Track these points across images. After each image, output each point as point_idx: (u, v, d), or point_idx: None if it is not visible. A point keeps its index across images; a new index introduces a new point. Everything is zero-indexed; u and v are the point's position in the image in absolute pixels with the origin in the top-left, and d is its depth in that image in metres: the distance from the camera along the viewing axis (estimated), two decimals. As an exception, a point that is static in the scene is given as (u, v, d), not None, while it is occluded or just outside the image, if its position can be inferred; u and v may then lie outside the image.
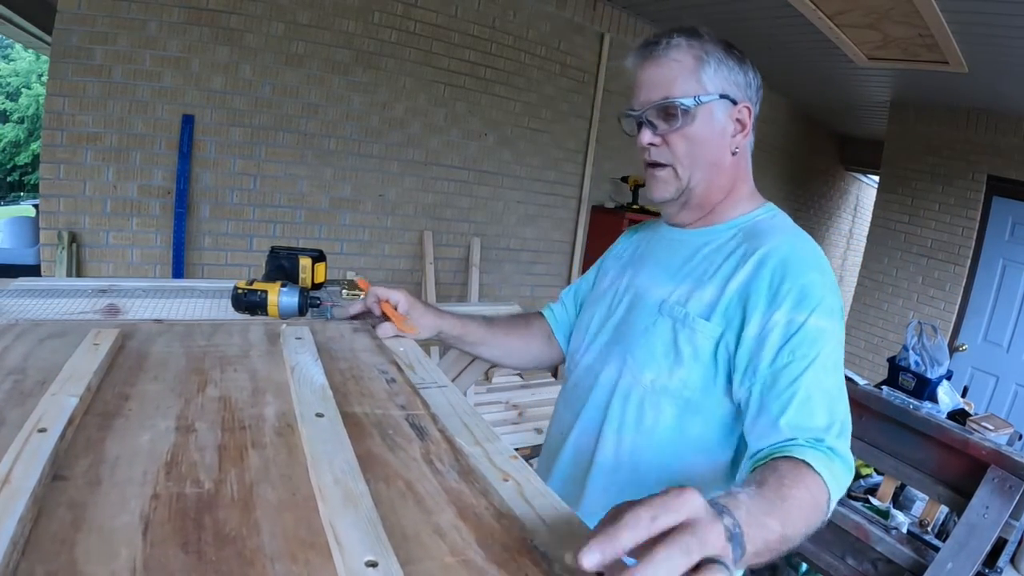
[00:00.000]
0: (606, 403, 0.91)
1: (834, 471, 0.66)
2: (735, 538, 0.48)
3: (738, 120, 0.88)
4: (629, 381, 0.88)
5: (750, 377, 0.77)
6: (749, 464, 0.74)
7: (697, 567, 0.41)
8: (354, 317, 1.00)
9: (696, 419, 0.84)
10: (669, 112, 0.85)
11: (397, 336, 0.93)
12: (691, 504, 0.42)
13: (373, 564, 0.38)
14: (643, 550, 0.40)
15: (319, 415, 0.57)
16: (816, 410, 0.72)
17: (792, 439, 0.70)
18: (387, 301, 0.96)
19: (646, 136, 0.88)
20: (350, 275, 3.21)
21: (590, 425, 0.93)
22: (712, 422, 0.84)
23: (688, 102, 0.84)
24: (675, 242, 0.95)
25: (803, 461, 0.65)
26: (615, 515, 0.42)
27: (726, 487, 0.83)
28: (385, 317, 0.95)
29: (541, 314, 1.17)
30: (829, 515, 0.67)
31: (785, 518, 0.57)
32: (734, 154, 0.89)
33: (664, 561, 0.39)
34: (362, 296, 1.00)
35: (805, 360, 0.74)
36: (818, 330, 0.75)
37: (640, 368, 0.87)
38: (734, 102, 0.86)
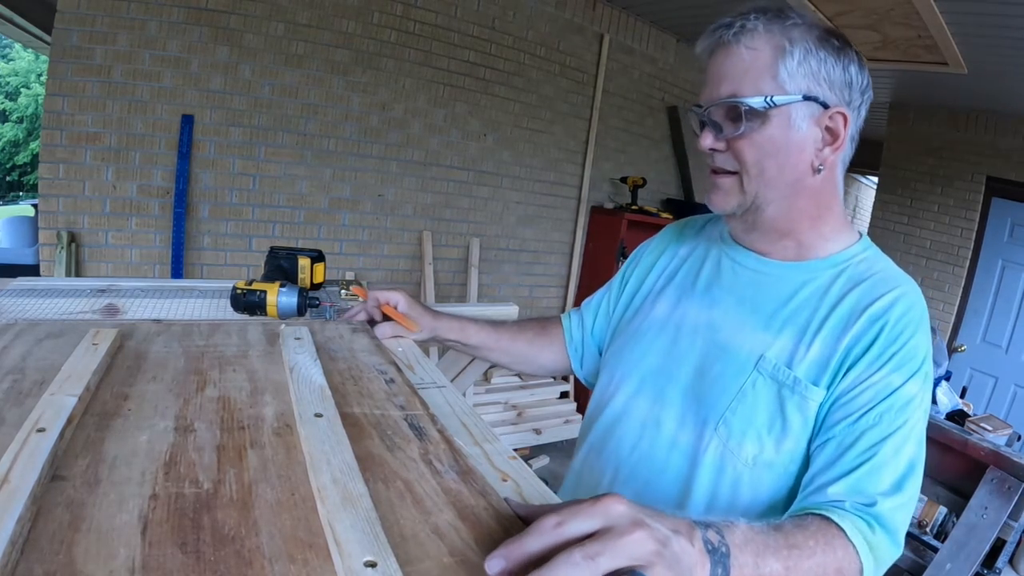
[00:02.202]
0: (692, 472, 0.75)
1: (873, 543, 0.59)
2: (716, 553, 0.44)
3: (828, 128, 0.72)
4: (722, 453, 0.73)
5: (826, 432, 0.68)
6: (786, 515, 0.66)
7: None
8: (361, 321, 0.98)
9: (793, 493, 0.71)
10: (734, 113, 0.71)
11: (396, 336, 0.93)
12: (608, 511, 0.39)
13: (372, 564, 0.38)
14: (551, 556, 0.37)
15: (318, 415, 0.57)
16: (883, 478, 0.63)
17: (839, 501, 0.62)
18: (387, 304, 0.95)
19: (707, 139, 0.75)
20: (349, 275, 3.21)
21: (668, 495, 0.77)
22: (788, 480, 0.72)
23: (756, 102, 0.70)
24: (762, 275, 0.79)
25: (836, 524, 0.58)
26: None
27: None
28: (386, 319, 0.95)
29: (559, 321, 1.07)
30: None
31: (791, 566, 0.51)
32: (818, 171, 0.73)
33: (563, 565, 0.36)
34: (361, 302, 1.00)
35: (891, 427, 0.65)
36: (910, 397, 0.67)
37: (737, 441, 0.72)
38: (825, 105, 0.71)
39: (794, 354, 0.72)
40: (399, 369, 0.77)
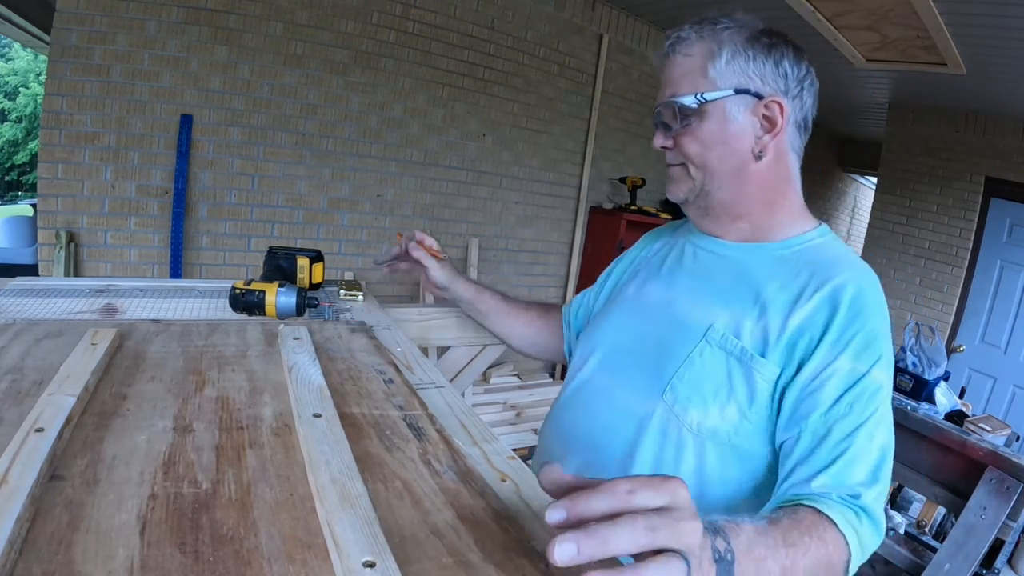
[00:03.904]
0: (638, 439, 0.79)
1: (861, 533, 0.61)
2: (723, 563, 0.44)
3: (766, 117, 0.78)
4: (667, 418, 0.77)
5: (798, 423, 0.70)
6: (774, 504, 0.68)
7: (658, 554, 0.37)
8: (391, 263, 1.16)
9: (740, 469, 0.75)
10: (676, 112, 0.79)
11: (417, 261, 1.11)
12: (676, 493, 0.39)
13: (371, 564, 0.38)
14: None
15: (317, 415, 0.57)
16: (860, 469, 0.66)
17: (826, 494, 0.64)
18: (421, 241, 1.13)
19: (658, 139, 0.83)
20: (348, 275, 3.21)
21: (615, 460, 0.81)
22: (754, 472, 0.75)
23: (688, 100, 0.77)
24: (717, 256, 0.85)
25: (827, 516, 0.60)
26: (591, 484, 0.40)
27: None
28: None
29: (560, 308, 1.15)
30: None
31: (789, 566, 0.52)
32: (759, 157, 0.79)
33: (626, 528, 0.36)
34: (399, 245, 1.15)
35: (862, 415, 0.67)
36: (878, 385, 0.69)
37: (683, 407, 0.76)
38: (759, 96, 0.77)
39: (742, 326, 0.76)
40: (398, 369, 0.77)
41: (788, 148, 0.81)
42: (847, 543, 0.59)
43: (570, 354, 1.08)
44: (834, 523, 0.59)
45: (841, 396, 0.68)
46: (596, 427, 0.85)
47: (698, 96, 0.77)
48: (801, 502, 0.63)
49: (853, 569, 0.61)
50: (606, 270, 1.07)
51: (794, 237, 0.81)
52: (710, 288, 0.82)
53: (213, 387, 0.65)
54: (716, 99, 0.77)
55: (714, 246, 0.86)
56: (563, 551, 0.34)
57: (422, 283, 1.16)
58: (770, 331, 0.74)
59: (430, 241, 1.14)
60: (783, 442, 0.71)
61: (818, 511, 0.60)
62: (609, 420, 0.83)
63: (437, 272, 1.12)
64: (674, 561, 0.37)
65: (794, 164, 0.83)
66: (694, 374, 0.76)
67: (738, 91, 0.76)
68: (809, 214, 0.85)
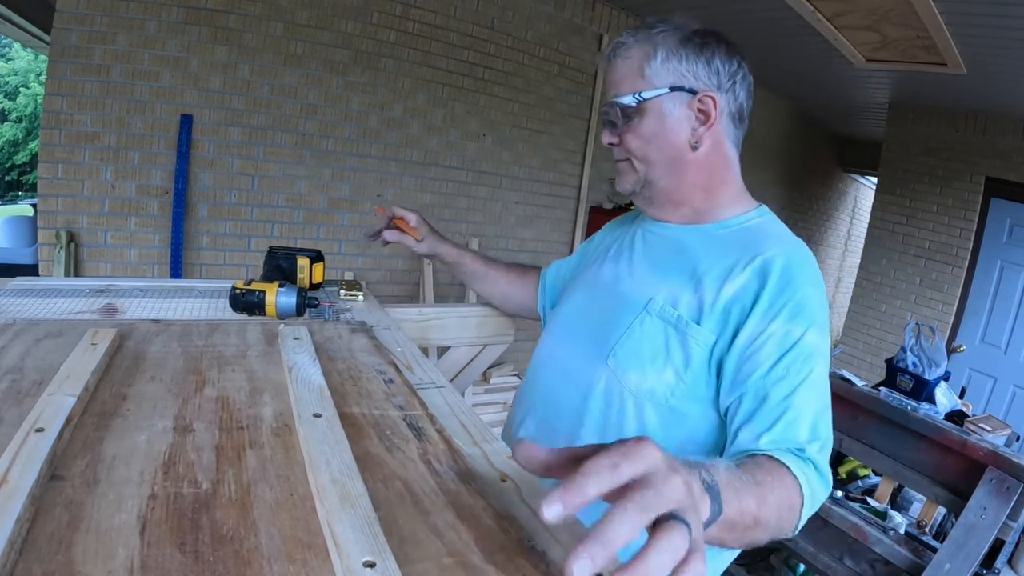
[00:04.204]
0: (584, 403, 0.87)
1: (811, 480, 0.66)
2: (712, 491, 0.47)
3: (700, 111, 0.84)
4: (611, 381, 0.84)
5: (739, 386, 0.74)
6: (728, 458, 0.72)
7: (656, 523, 0.38)
8: (375, 236, 1.20)
9: (678, 428, 0.80)
10: (618, 112, 0.86)
11: (398, 242, 1.18)
12: (649, 456, 0.39)
13: (371, 565, 0.38)
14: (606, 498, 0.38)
15: (317, 415, 0.57)
16: (802, 428, 0.70)
17: (775, 448, 0.69)
18: (402, 218, 1.19)
19: (605, 137, 0.91)
20: (348, 275, 3.21)
21: (566, 424, 0.88)
22: (696, 433, 0.80)
23: (628, 100, 0.84)
24: (660, 238, 0.92)
25: (781, 462, 0.65)
26: (570, 456, 0.41)
27: None
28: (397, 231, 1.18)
29: (537, 270, 1.24)
30: (800, 527, 0.65)
31: (761, 501, 0.56)
32: (696, 148, 0.85)
33: (623, 519, 0.36)
34: (380, 217, 1.20)
35: (798, 376, 0.72)
36: (812, 347, 0.73)
37: (623, 370, 0.83)
38: (693, 92, 0.83)
39: (679, 297, 0.82)
40: (398, 369, 0.77)
41: (724, 138, 0.87)
42: (801, 489, 0.64)
43: (544, 316, 1.19)
44: (789, 468, 0.64)
45: (778, 359, 0.73)
46: (551, 392, 0.94)
47: (637, 95, 0.84)
48: (755, 453, 0.68)
49: (804, 518, 0.65)
50: (582, 244, 1.17)
51: (732, 218, 0.88)
52: (653, 266, 0.90)
53: (213, 387, 0.65)
54: (653, 97, 0.83)
55: (660, 229, 0.93)
56: (582, 569, 0.34)
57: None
58: (705, 301, 0.80)
59: (409, 217, 1.19)
60: (727, 407, 0.76)
61: (773, 458, 0.66)
62: (561, 385, 0.92)
63: (419, 247, 1.21)
64: (674, 529, 0.37)
65: (731, 152, 0.89)
66: (634, 341, 0.83)
67: (673, 88, 0.83)
68: (749, 197, 0.91)
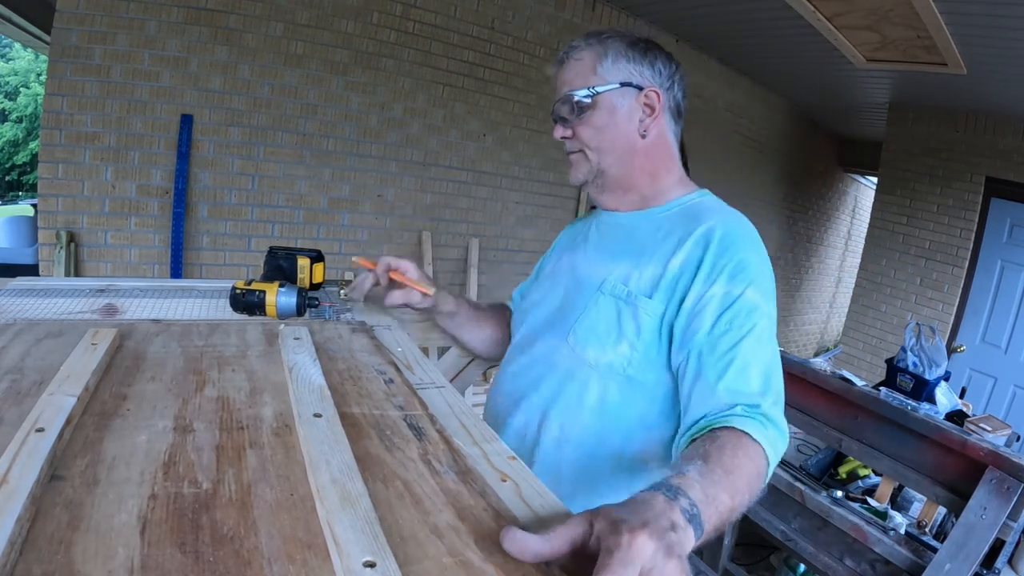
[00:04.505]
0: (549, 381, 0.93)
1: (771, 439, 0.69)
2: (694, 519, 0.49)
3: (646, 105, 0.93)
4: (571, 360, 0.91)
5: (687, 344, 0.80)
6: (688, 435, 0.75)
7: None
8: (367, 297, 1.07)
9: (638, 397, 0.87)
10: (571, 106, 0.93)
11: (405, 304, 1.01)
12: (642, 553, 0.42)
13: (371, 564, 0.38)
14: None
15: (317, 415, 0.57)
16: (752, 377, 0.75)
17: (730, 407, 0.72)
18: (397, 270, 1.01)
19: (557, 131, 0.96)
20: (348, 276, 3.21)
21: (535, 403, 0.95)
22: (655, 399, 0.87)
23: (582, 94, 0.91)
24: (612, 226, 1.00)
25: (743, 431, 0.68)
26: (567, 539, 0.43)
27: (667, 461, 0.87)
28: (393, 286, 1.01)
29: (507, 307, 1.21)
30: (768, 480, 0.69)
31: (733, 490, 0.59)
32: (644, 136, 0.94)
33: None
34: (368, 271, 1.03)
35: (742, 330, 0.78)
36: (753, 304, 0.79)
37: (582, 347, 0.90)
38: (639, 88, 0.92)
39: (630, 275, 0.90)
40: (398, 369, 0.77)
41: (666, 130, 0.97)
42: (764, 452, 0.68)
43: None
44: (750, 435, 0.68)
45: (720, 316, 0.79)
46: (521, 377, 0.99)
47: (591, 89, 0.91)
48: (714, 426, 0.71)
49: (770, 474, 0.69)
50: (540, 259, 1.19)
51: (674, 200, 0.96)
52: (606, 251, 0.97)
53: (213, 387, 0.65)
54: (605, 91, 0.91)
55: (611, 219, 1.00)
56: None
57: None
58: (654, 275, 0.87)
59: (407, 267, 1.01)
60: (678, 366, 0.82)
61: (733, 429, 0.68)
62: (529, 368, 0.98)
63: (426, 303, 1.04)
64: None
65: (672, 142, 0.98)
66: (591, 320, 0.91)
67: (623, 84, 0.92)
68: (690, 183, 0.99)
